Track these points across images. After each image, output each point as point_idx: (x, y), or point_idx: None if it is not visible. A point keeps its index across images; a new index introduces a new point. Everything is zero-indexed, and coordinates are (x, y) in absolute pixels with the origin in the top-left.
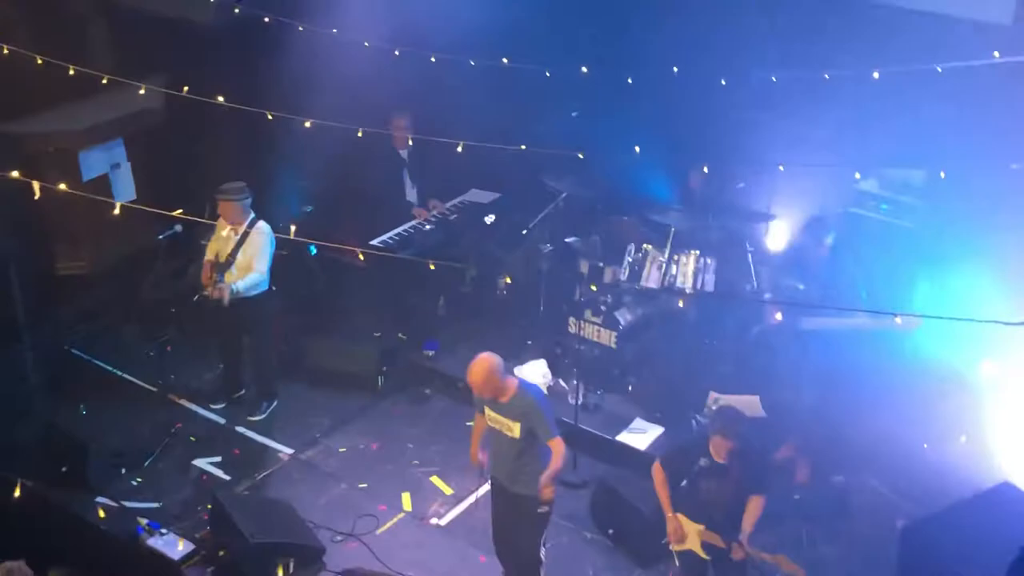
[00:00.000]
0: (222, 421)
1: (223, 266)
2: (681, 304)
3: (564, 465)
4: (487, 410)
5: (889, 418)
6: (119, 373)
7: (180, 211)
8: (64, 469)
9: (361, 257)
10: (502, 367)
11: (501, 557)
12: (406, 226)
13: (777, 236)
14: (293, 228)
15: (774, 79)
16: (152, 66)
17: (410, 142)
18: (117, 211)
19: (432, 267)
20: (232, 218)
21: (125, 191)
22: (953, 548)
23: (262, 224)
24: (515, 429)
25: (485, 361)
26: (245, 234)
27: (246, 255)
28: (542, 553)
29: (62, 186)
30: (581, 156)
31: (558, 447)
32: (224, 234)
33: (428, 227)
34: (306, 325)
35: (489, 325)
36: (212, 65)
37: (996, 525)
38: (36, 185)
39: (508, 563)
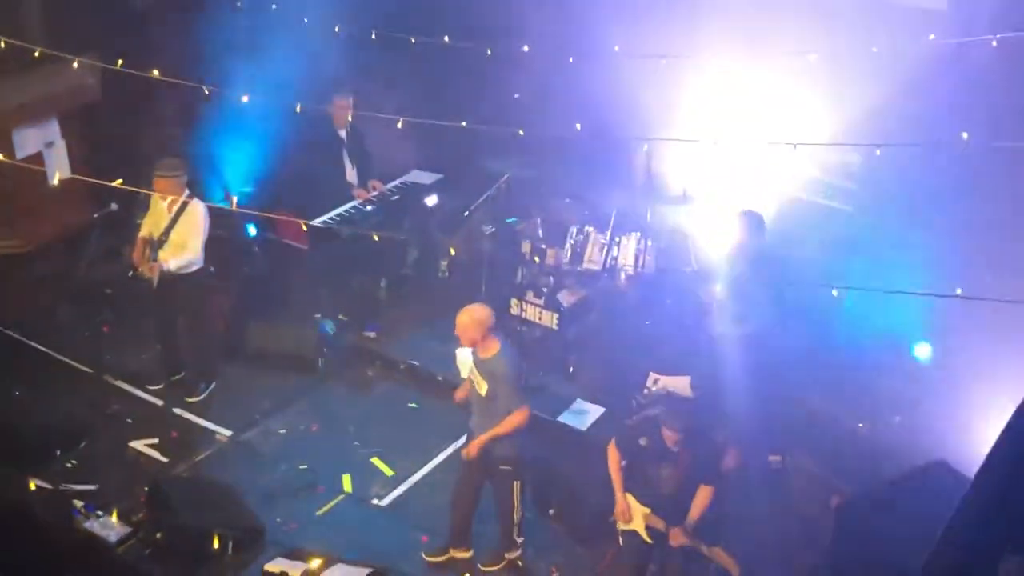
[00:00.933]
0: (159, 403)
1: (156, 244)
2: (623, 278)
3: (512, 435)
4: (471, 365)
5: (825, 398)
6: (54, 354)
7: (120, 181)
8: None
9: (304, 227)
10: (491, 323)
11: (455, 510)
12: (347, 207)
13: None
14: (235, 199)
15: (713, 60)
16: (86, 41)
17: (350, 118)
18: (56, 182)
19: (376, 238)
20: (168, 193)
21: (60, 169)
22: (887, 526)
23: (197, 202)
24: (483, 387)
25: (477, 309)
26: (179, 212)
27: (180, 233)
28: (517, 515)
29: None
30: (521, 132)
31: (517, 417)
32: (159, 211)
33: (369, 208)
34: (246, 306)
35: (431, 307)
36: (148, 41)
37: (929, 503)
38: None
39: (460, 518)
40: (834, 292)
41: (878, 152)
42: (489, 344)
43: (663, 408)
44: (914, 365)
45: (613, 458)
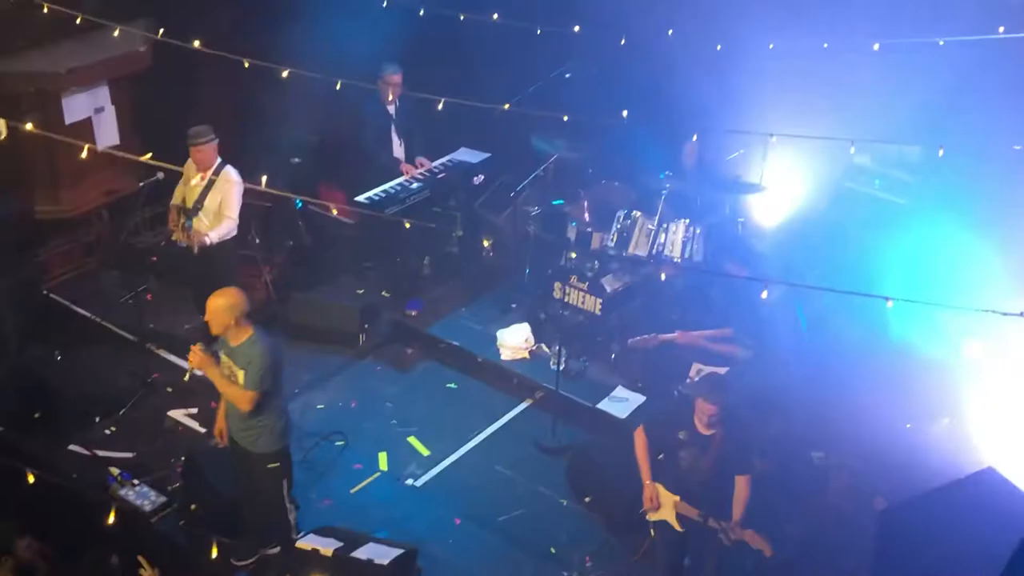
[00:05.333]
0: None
1: (191, 211)
2: (663, 277)
3: (272, 430)
4: (222, 355)
5: (871, 396)
6: (97, 320)
7: (149, 156)
8: (36, 415)
9: (334, 212)
10: (243, 307)
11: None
12: (393, 183)
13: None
14: (264, 179)
15: (771, 46)
16: (138, 8)
17: (391, 96)
18: (84, 155)
19: (408, 226)
20: (207, 163)
21: (108, 136)
22: (932, 532)
23: (230, 169)
24: (240, 377)
25: (231, 293)
26: (212, 179)
27: (215, 200)
28: (290, 512)
29: (29, 126)
30: (565, 119)
31: (241, 395)
32: (193, 179)
33: (415, 184)
34: (289, 279)
35: (474, 287)
36: (198, 9)
37: (976, 512)
38: (2, 124)
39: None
40: (889, 303)
41: (940, 152)
42: (242, 331)
43: (702, 383)
44: (963, 364)
45: (640, 444)
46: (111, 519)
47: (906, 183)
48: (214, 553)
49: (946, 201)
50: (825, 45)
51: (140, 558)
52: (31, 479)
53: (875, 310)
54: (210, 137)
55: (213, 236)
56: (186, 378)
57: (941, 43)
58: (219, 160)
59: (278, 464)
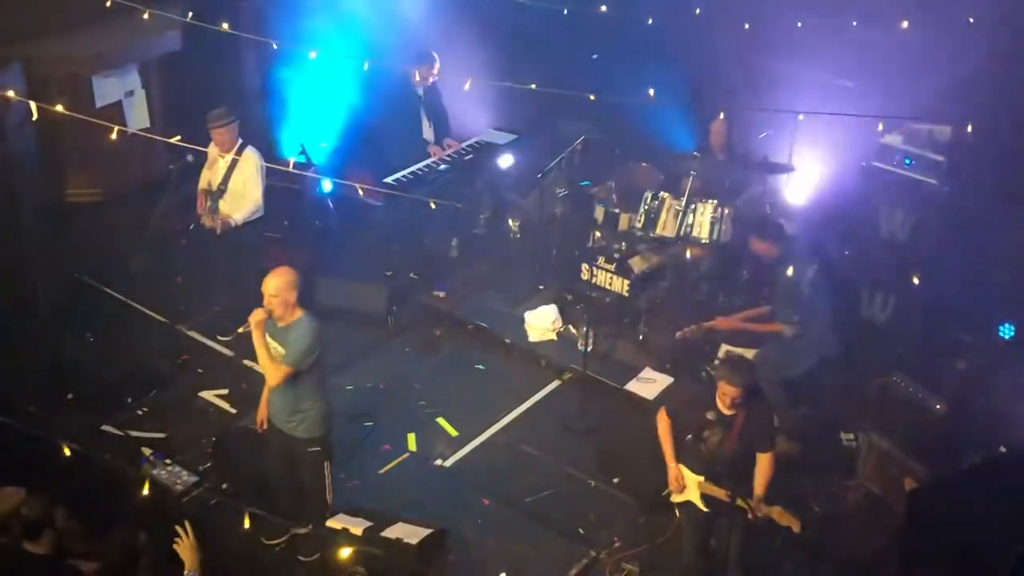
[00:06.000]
0: (230, 354)
1: (216, 194)
2: (689, 254)
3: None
4: (268, 338)
5: (902, 375)
6: (129, 302)
7: (178, 138)
8: (69, 396)
9: (361, 192)
10: (299, 286)
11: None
12: (420, 165)
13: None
14: (292, 161)
15: (799, 24)
16: None
17: (418, 78)
18: (114, 136)
19: (433, 206)
20: (228, 145)
21: (138, 119)
22: (962, 512)
23: (252, 150)
24: (282, 352)
25: (289, 272)
26: (234, 161)
27: (238, 182)
28: (328, 493)
29: (59, 107)
30: (592, 98)
31: (276, 368)
32: (217, 162)
33: (442, 167)
34: (318, 261)
35: (501, 268)
36: None
37: (1007, 492)
38: (33, 106)
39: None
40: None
41: (969, 129)
42: (294, 310)
43: (724, 365)
44: (995, 344)
45: (663, 426)
46: (145, 492)
47: (936, 163)
48: (246, 523)
49: (976, 180)
50: (854, 23)
51: (179, 528)
52: (67, 452)
53: (905, 289)
54: (229, 119)
55: (238, 217)
56: (241, 330)
57: (971, 20)
58: (240, 141)
59: (320, 448)
